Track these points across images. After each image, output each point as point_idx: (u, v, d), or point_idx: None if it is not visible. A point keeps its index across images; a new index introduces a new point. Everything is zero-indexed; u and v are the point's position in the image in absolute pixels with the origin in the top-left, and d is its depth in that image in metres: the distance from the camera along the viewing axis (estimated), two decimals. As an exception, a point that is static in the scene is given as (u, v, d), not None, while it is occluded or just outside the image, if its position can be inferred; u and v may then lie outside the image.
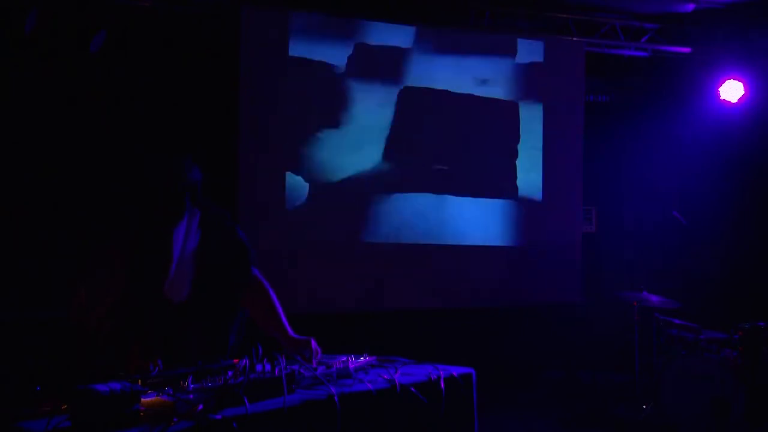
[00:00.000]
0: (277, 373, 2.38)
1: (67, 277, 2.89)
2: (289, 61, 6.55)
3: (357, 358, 2.84)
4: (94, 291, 2.70)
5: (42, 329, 5.27)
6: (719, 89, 7.48)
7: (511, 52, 7.39)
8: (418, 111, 7.04)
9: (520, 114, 7.43)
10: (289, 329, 3.01)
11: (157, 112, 6.15)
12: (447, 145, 7.16)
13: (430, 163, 7.09)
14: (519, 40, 7.40)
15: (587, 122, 7.67)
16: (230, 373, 2.35)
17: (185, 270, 2.83)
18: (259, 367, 2.42)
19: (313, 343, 2.89)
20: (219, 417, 2.07)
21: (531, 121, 7.47)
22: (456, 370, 2.84)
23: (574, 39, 7.48)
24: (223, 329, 2.96)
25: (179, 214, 2.78)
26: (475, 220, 7.21)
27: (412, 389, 2.61)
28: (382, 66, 6.93)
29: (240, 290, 3.03)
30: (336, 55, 6.74)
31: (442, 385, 2.71)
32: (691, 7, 7.10)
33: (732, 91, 7.44)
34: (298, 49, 6.58)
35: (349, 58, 6.80)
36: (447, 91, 7.15)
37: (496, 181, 7.33)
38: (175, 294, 2.80)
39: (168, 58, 6.22)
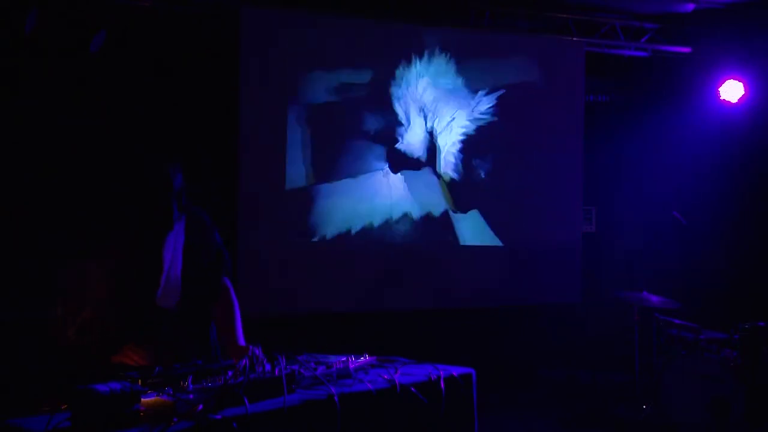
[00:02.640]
0: (277, 373, 2.38)
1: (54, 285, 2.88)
2: (288, 61, 6.55)
3: (357, 358, 2.84)
4: (69, 306, 2.69)
5: (42, 329, 5.27)
6: (719, 89, 7.48)
7: (511, 51, 7.39)
8: (417, 110, 7.04)
9: (520, 114, 7.42)
10: (240, 338, 2.98)
11: (157, 112, 6.14)
12: (446, 146, 7.16)
13: (430, 164, 7.09)
14: (519, 40, 7.40)
15: (587, 122, 7.67)
16: (230, 373, 2.35)
17: (176, 278, 2.82)
18: (259, 367, 2.42)
19: (253, 350, 2.85)
20: (219, 417, 2.07)
21: (531, 121, 7.46)
22: (456, 370, 2.84)
23: (574, 39, 7.48)
24: (206, 334, 2.98)
25: (169, 224, 2.76)
26: (474, 220, 7.21)
27: (412, 389, 2.61)
28: (383, 66, 6.93)
29: (213, 297, 3.03)
30: (336, 55, 6.74)
31: (442, 385, 2.71)
32: (691, 7, 7.10)
33: (732, 91, 7.43)
34: (297, 49, 6.58)
35: (349, 58, 6.80)
36: (447, 91, 7.16)
37: (495, 180, 7.32)
38: (167, 301, 2.80)
39: (168, 58, 6.22)
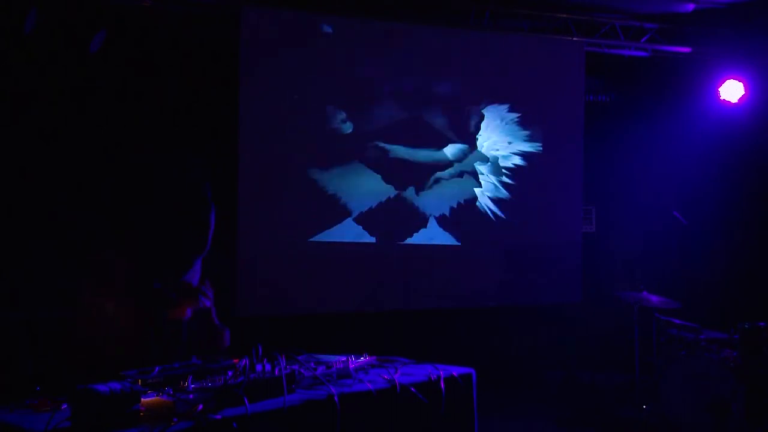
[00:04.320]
0: (277, 373, 2.38)
1: (72, 275, 2.97)
2: (288, 61, 6.55)
3: (357, 358, 2.84)
4: (93, 299, 2.76)
5: (42, 329, 5.27)
6: (719, 89, 7.48)
7: (512, 51, 7.40)
8: (417, 110, 7.04)
9: (520, 114, 7.43)
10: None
11: (157, 112, 6.15)
12: (447, 146, 7.16)
13: (431, 165, 7.09)
14: (519, 40, 7.40)
15: (587, 122, 7.67)
16: (230, 373, 2.35)
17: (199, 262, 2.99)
18: (259, 367, 2.42)
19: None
20: (219, 417, 2.07)
21: (531, 121, 7.47)
22: (456, 370, 2.84)
23: (574, 39, 7.48)
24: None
25: (210, 205, 2.96)
26: (474, 220, 7.22)
27: (412, 389, 2.61)
28: (383, 65, 6.93)
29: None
30: (336, 55, 6.74)
31: (442, 385, 2.71)
32: (691, 7, 7.10)
33: (732, 91, 7.44)
34: (297, 48, 6.58)
35: (348, 57, 6.80)
36: (447, 91, 7.16)
37: (495, 180, 7.32)
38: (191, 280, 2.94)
39: (168, 58, 6.22)
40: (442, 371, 2.79)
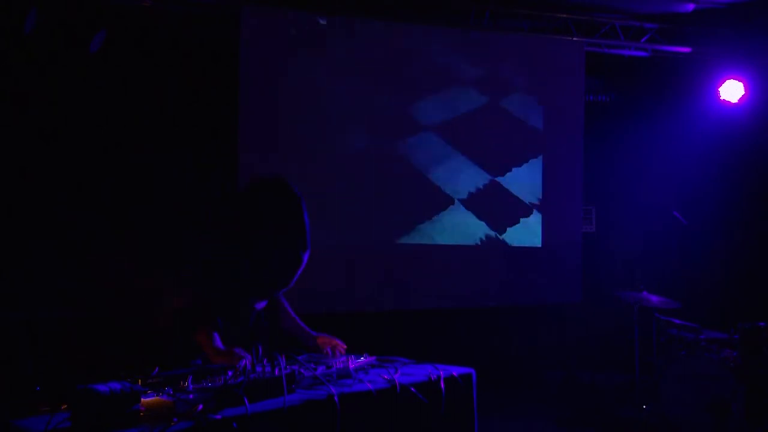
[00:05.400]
0: (277, 373, 2.38)
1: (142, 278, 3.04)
2: (288, 61, 6.55)
3: (357, 358, 2.84)
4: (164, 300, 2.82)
5: (42, 329, 5.27)
6: (719, 89, 7.48)
7: (512, 52, 7.40)
8: (417, 111, 7.04)
9: (520, 114, 7.43)
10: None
11: (157, 112, 6.15)
12: (446, 146, 7.16)
13: (430, 165, 7.09)
14: (519, 40, 7.41)
15: (587, 122, 7.67)
16: (230, 373, 2.35)
17: None
18: (259, 368, 2.42)
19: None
20: (219, 417, 2.07)
21: (531, 121, 7.47)
22: (456, 370, 2.84)
23: (574, 39, 7.48)
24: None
25: (308, 247, 2.94)
26: (474, 220, 7.21)
27: (412, 389, 2.60)
28: (383, 65, 6.93)
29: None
30: (336, 55, 6.74)
31: (442, 385, 2.71)
32: (691, 7, 7.10)
33: (732, 91, 7.44)
34: (297, 48, 6.58)
35: (349, 57, 6.80)
36: (447, 91, 7.16)
37: (495, 181, 7.33)
38: (260, 303, 2.98)
39: (168, 58, 6.22)
40: (442, 371, 2.79)
